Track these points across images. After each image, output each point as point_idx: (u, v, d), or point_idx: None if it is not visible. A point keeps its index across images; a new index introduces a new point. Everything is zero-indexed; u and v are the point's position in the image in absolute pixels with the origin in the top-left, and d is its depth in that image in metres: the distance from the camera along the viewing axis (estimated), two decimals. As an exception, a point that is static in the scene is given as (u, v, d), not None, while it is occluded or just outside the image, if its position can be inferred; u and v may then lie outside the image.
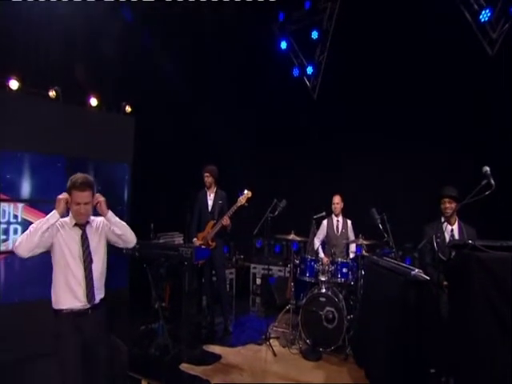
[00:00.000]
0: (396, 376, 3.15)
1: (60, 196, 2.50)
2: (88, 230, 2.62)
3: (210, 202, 5.22)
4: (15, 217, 4.17)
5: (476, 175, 2.90)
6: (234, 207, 4.95)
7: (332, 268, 4.81)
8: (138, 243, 2.97)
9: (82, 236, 2.59)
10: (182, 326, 4.43)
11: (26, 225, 4.06)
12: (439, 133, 5.72)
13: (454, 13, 5.50)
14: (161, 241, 5.00)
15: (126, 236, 2.71)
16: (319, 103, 7.26)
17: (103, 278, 2.69)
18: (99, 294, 2.63)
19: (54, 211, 2.48)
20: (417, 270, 3.19)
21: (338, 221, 5.36)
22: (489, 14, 5.39)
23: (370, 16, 6.20)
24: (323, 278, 4.73)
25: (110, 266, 2.76)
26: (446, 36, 5.46)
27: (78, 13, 4.99)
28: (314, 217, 5.45)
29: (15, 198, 4.18)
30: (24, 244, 2.41)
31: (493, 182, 2.73)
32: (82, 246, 2.57)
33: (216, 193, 5.24)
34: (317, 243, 5.45)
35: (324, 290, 4.59)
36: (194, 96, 6.87)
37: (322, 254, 5.31)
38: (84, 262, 2.55)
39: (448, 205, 3.71)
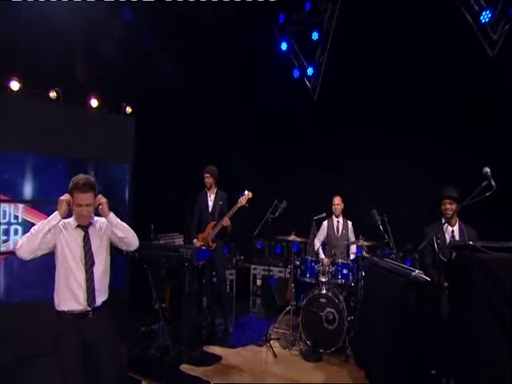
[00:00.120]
0: (396, 377, 3.15)
1: (62, 197, 2.48)
2: (91, 231, 2.60)
3: (211, 203, 5.22)
4: (16, 217, 4.16)
5: (476, 175, 2.91)
6: (235, 208, 4.94)
7: (332, 269, 4.81)
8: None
9: (84, 238, 2.56)
10: (182, 327, 4.43)
11: (26, 225, 4.06)
12: (439, 133, 5.72)
13: (455, 14, 5.50)
14: (161, 242, 4.99)
15: (128, 239, 2.66)
16: (319, 104, 7.27)
17: (105, 280, 2.65)
18: (101, 297, 2.59)
19: (55, 212, 2.47)
20: (417, 271, 3.19)
21: (338, 222, 5.36)
22: (489, 15, 5.40)
23: (371, 17, 6.21)
24: (323, 279, 4.73)
25: (110, 267, 2.72)
26: (446, 37, 5.47)
27: (78, 13, 4.99)
28: (315, 218, 5.45)
29: (16, 198, 4.18)
30: (25, 246, 2.40)
31: (493, 183, 2.73)
32: (84, 247, 2.54)
33: (216, 193, 5.24)
34: (317, 244, 5.45)
35: (324, 291, 4.59)
36: (194, 96, 6.87)
37: (322, 255, 5.32)
38: (85, 264, 2.53)
39: (448, 206, 3.70)
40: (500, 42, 5.37)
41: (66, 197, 2.48)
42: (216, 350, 4.51)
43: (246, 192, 4.95)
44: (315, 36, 7.22)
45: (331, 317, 4.43)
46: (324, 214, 5.32)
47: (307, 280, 4.96)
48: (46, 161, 4.37)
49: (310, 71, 7.38)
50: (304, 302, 4.74)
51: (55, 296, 2.55)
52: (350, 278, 4.80)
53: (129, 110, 5.20)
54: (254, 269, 7.21)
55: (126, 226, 2.67)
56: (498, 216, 4.65)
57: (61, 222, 2.51)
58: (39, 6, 4.68)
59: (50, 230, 2.44)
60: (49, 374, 2.93)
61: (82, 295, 2.50)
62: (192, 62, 6.73)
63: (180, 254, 4.25)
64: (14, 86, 4.18)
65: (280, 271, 6.84)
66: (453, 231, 3.79)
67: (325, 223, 5.42)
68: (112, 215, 2.60)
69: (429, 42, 5.66)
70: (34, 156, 4.29)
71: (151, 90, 5.94)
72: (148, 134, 5.59)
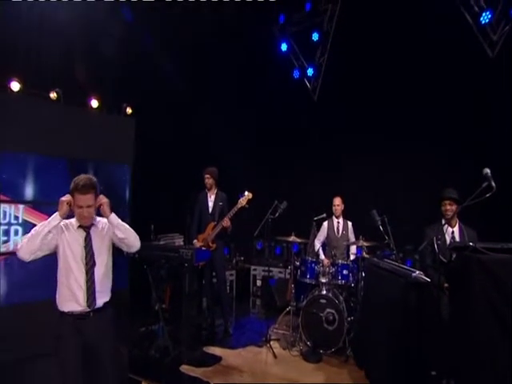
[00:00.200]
0: (397, 378, 3.15)
1: (63, 198, 2.46)
2: (93, 231, 2.59)
3: (211, 204, 5.22)
4: (16, 218, 4.15)
5: (476, 176, 2.91)
6: (235, 209, 4.94)
7: (332, 270, 4.81)
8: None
9: (85, 238, 2.55)
10: (182, 328, 4.43)
11: (26, 226, 4.05)
12: (439, 133, 5.73)
13: (455, 14, 5.51)
14: (161, 242, 4.99)
15: (129, 240, 2.64)
16: (319, 105, 7.27)
17: (107, 281, 2.63)
18: (102, 298, 2.57)
19: (56, 213, 2.46)
20: (417, 272, 3.19)
21: (338, 222, 5.37)
22: (489, 16, 5.40)
23: (371, 18, 6.21)
24: (324, 280, 4.73)
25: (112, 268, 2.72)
26: (446, 37, 5.48)
27: (78, 13, 4.99)
28: (315, 218, 5.45)
29: (16, 199, 4.17)
30: (25, 247, 2.40)
31: (493, 184, 2.73)
32: (85, 248, 2.53)
33: (216, 194, 5.24)
34: (317, 245, 5.45)
35: (324, 292, 4.59)
36: (194, 96, 6.87)
37: (322, 256, 5.32)
38: (86, 264, 2.51)
39: (449, 207, 3.71)
40: (500, 42, 5.38)
41: (66, 197, 2.47)
42: (216, 350, 4.51)
43: (246, 193, 4.96)
44: (315, 37, 7.23)
45: (331, 317, 4.43)
46: (324, 215, 5.32)
47: (307, 281, 4.96)
48: (47, 161, 4.36)
49: (310, 72, 7.38)
50: (304, 302, 4.73)
51: (57, 296, 2.54)
52: (350, 278, 4.80)
53: (129, 110, 5.20)
54: (254, 269, 7.21)
55: (128, 227, 2.65)
56: (498, 217, 4.65)
57: (63, 223, 2.50)
58: (39, 6, 4.67)
59: (50, 231, 2.43)
60: (49, 375, 2.93)
61: (81, 296, 2.49)
62: (192, 62, 6.73)
63: (180, 255, 4.25)
64: (15, 86, 4.17)
65: (280, 272, 6.83)
66: (453, 232, 3.79)
67: (325, 224, 5.42)
68: (113, 216, 2.58)
69: (429, 42, 5.67)
70: (34, 156, 4.28)
71: (151, 90, 5.93)
72: (148, 135, 5.58)
